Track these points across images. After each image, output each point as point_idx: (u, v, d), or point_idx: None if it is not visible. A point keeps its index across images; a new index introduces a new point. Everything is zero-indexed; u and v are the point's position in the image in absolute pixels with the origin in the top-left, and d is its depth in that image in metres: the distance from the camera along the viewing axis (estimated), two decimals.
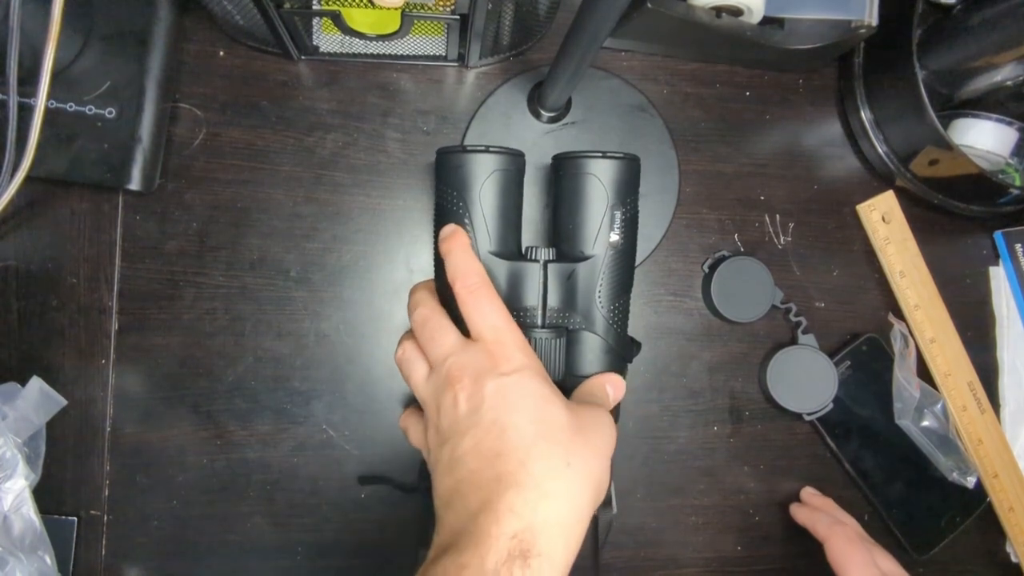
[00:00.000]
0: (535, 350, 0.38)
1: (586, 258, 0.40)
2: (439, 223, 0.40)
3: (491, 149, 0.39)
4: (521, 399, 0.33)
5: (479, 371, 0.34)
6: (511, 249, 0.41)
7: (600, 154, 0.40)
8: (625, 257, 0.41)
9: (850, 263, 0.52)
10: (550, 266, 0.40)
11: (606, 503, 0.46)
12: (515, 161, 0.40)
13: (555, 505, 0.31)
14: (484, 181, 0.39)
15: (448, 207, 0.39)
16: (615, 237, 0.40)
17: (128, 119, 0.42)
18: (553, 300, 0.40)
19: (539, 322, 0.39)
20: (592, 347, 0.40)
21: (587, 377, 0.40)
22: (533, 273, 0.39)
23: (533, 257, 0.40)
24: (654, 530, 0.49)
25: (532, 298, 0.39)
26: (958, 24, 0.48)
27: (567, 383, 0.40)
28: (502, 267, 0.39)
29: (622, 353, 0.41)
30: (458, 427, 0.34)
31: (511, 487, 0.31)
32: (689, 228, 0.51)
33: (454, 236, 0.38)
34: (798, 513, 0.50)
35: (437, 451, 0.35)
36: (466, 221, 0.39)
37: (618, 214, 0.40)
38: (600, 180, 0.40)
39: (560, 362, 0.39)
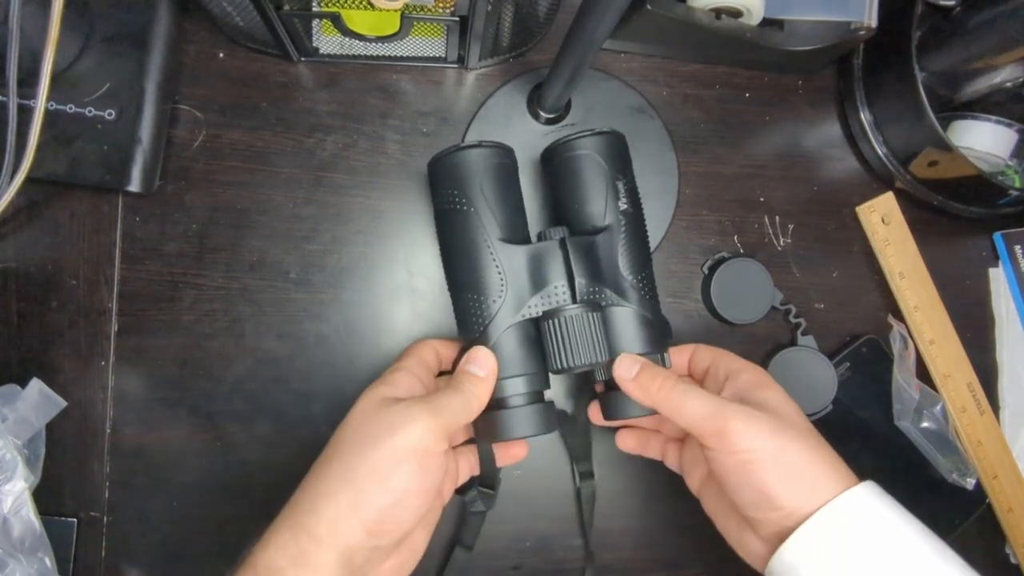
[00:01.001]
0: (572, 330, 0.36)
1: (601, 229, 0.39)
2: (445, 225, 0.40)
3: (484, 144, 0.39)
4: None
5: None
6: (521, 235, 0.40)
7: (589, 131, 0.40)
8: (638, 226, 0.40)
9: (850, 264, 0.52)
10: (568, 241, 0.38)
11: (587, 475, 0.46)
12: (508, 154, 0.40)
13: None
14: (483, 173, 0.39)
15: (451, 207, 0.39)
16: (624, 206, 0.40)
17: (128, 121, 0.42)
18: (580, 276, 0.38)
19: (570, 299, 0.38)
20: (629, 322, 0.38)
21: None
22: (553, 251, 0.38)
23: (549, 237, 0.39)
24: (654, 530, 0.49)
25: (558, 275, 0.38)
26: (957, 26, 0.48)
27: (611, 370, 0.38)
28: (520, 252, 0.38)
29: (660, 326, 0.40)
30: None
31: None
32: (689, 230, 0.51)
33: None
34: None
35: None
36: (473, 213, 0.38)
37: (620, 185, 0.40)
38: (596, 154, 0.40)
39: (602, 339, 0.37)
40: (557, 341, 0.37)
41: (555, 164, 0.42)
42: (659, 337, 0.39)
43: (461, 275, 0.39)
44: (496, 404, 0.37)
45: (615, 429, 0.45)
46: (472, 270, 0.38)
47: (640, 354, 0.38)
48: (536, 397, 0.38)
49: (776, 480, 0.33)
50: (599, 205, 0.40)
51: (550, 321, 0.37)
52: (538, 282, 0.38)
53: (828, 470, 0.34)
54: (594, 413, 0.44)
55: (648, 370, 0.37)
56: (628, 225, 0.40)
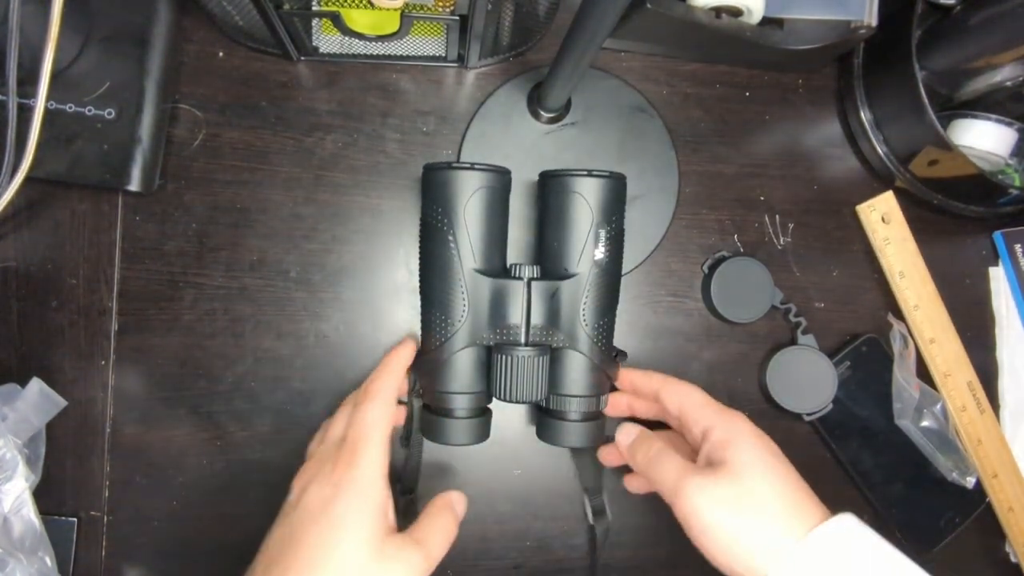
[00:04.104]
0: (517, 369, 0.39)
1: (570, 276, 0.40)
2: (424, 238, 0.41)
3: (476, 167, 0.39)
4: (331, 514, 0.34)
5: (317, 471, 0.36)
6: (495, 266, 0.41)
7: (585, 172, 0.40)
8: (610, 275, 0.41)
9: (850, 263, 0.52)
10: (534, 284, 0.40)
11: (600, 513, 0.46)
12: (501, 179, 0.41)
13: None
14: (469, 198, 0.39)
15: (433, 223, 0.40)
16: (600, 255, 0.40)
17: (128, 120, 0.42)
18: (537, 318, 0.40)
19: (522, 340, 0.40)
20: (576, 366, 0.41)
21: (571, 397, 0.41)
22: (517, 291, 0.40)
23: (517, 275, 0.40)
24: (654, 530, 0.49)
25: (516, 316, 0.40)
26: (958, 24, 0.48)
27: (551, 404, 0.41)
28: (485, 284, 0.40)
29: (607, 371, 0.42)
30: (282, 514, 0.37)
31: None
32: (689, 229, 0.51)
33: (402, 348, 0.42)
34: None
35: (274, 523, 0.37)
36: (450, 238, 0.39)
37: (603, 232, 0.40)
38: (585, 199, 0.40)
39: (543, 381, 0.40)
40: (503, 375, 0.39)
41: (547, 192, 0.42)
42: (601, 381, 0.42)
43: (430, 291, 0.41)
44: (443, 412, 0.41)
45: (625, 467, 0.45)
46: (440, 290, 0.40)
47: (578, 396, 0.41)
48: (478, 412, 0.41)
49: (729, 548, 0.35)
50: (576, 250, 0.40)
51: (500, 355, 0.39)
52: (498, 317, 0.40)
53: (787, 528, 0.35)
54: (605, 455, 0.45)
55: (641, 441, 0.42)
56: (599, 276, 0.40)
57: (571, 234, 0.40)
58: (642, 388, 0.43)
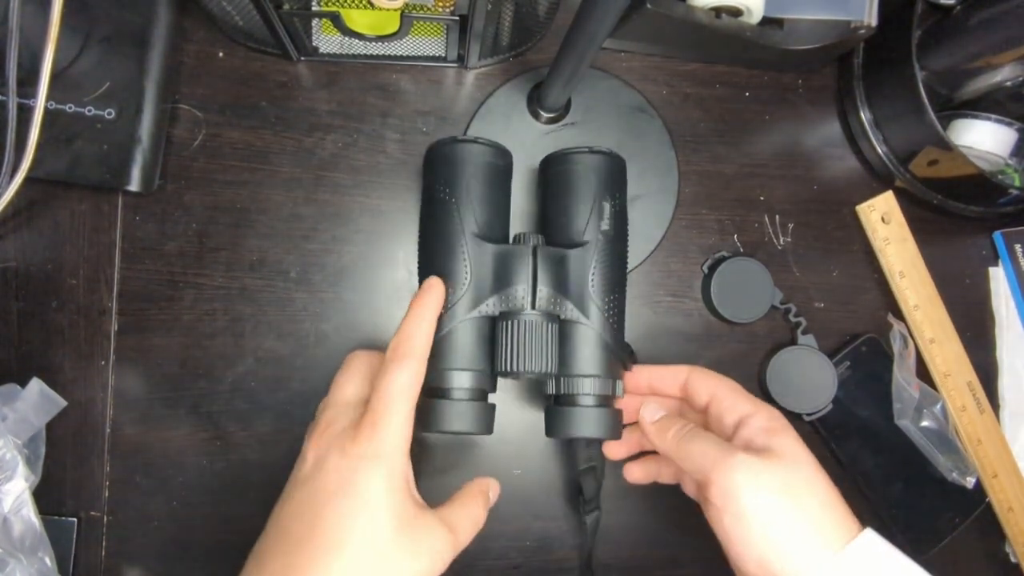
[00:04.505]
0: (524, 334, 0.36)
1: (578, 244, 0.39)
2: (426, 213, 0.40)
3: (480, 140, 0.39)
4: (353, 490, 0.31)
5: (335, 438, 0.33)
6: (498, 236, 0.40)
7: (587, 149, 0.40)
8: (617, 249, 0.40)
9: (850, 263, 0.52)
10: (540, 250, 0.38)
11: (593, 506, 0.46)
12: (504, 156, 0.40)
13: None
14: (473, 169, 0.39)
15: (435, 195, 0.39)
16: (606, 226, 0.39)
17: (127, 120, 0.42)
18: (544, 285, 0.38)
19: (530, 305, 0.37)
20: (587, 342, 0.38)
21: (583, 377, 0.38)
22: (523, 256, 0.38)
23: (523, 242, 0.38)
24: (654, 530, 0.49)
25: (521, 280, 0.37)
26: (958, 24, 0.48)
27: (562, 387, 0.38)
28: (489, 250, 0.38)
29: (618, 353, 0.39)
30: (295, 482, 0.34)
31: None
32: (689, 229, 0.51)
33: (427, 291, 0.36)
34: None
35: (284, 491, 0.34)
36: (452, 203, 0.38)
37: (607, 205, 0.40)
38: (588, 171, 0.40)
39: (552, 351, 0.37)
40: (509, 343, 0.36)
41: (549, 174, 0.42)
42: (614, 363, 0.38)
43: (430, 261, 0.38)
44: (438, 394, 0.37)
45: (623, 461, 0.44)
46: (441, 258, 0.38)
47: (592, 376, 0.38)
48: (479, 395, 0.37)
49: (764, 539, 0.32)
50: (581, 220, 0.39)
51: (505, 322, 0.37)
52: (502, 282, 0.37)
53: (828, 537, 0.32)
54: (609, 448, 0.43)
55: (672, 418, 0.38)
56: (606, 247, 0.39)
57: (576, 204, 0.39)
58: (665, 378, 0.40)
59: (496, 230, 0.40)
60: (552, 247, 0.39)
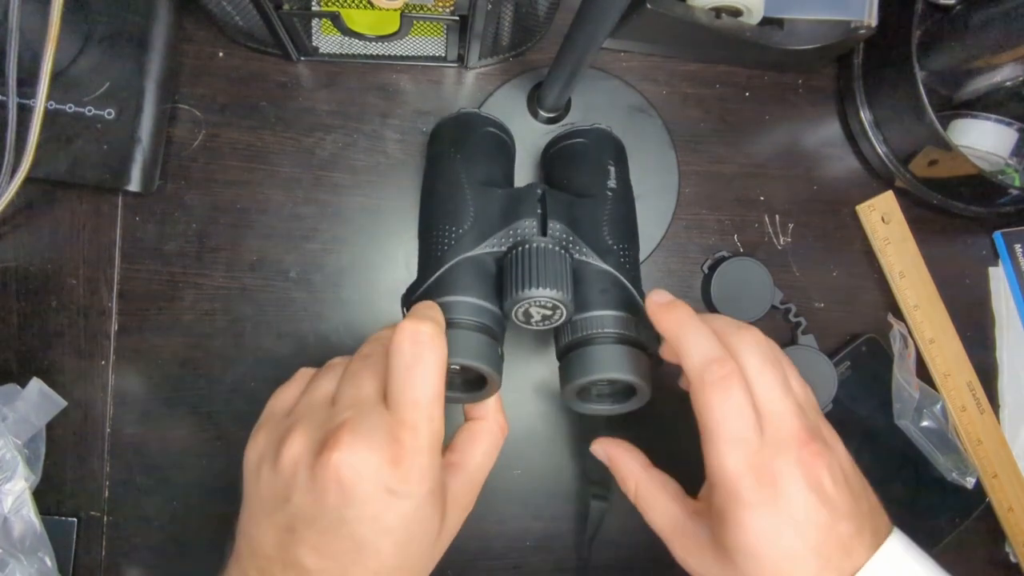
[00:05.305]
0: (536, 257, 0.32)
1: (588, 196, 0.38)
2: (428, 176, 0.40)
3: (484, 113, 0.40)
4: (397, 533, 0.27)
5: (368, 460, 0.26)
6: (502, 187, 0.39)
7: (587, 125, 0.42)
8: (627, 206, 0.39)
9: (850, 263, 0.52)
10: (549, 193, 0.36)
11: (601, 496, 0.45)
12: (507, 133, 0.41)
13: None
14: (478, 136, 0.39)
15: (439, 156, 0.39)
16: (613, 184, 0.39)
17: (127, 120, 0.42)
18: (556, 220, 0.34)
19: (539, 234, 0.34)
20: (605, 279, 0.34)
21: (602, 314, 0.32)
22: (531, 195, 0.35)
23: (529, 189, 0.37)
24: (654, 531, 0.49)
25: (530, 214, 0.34)
26: (958, 24, 0.48)
27: (577, 330, 0.33)
28: (494, 193, 0.36)
29: (639, 307, 0.34)
30: (304, 506, 0.27)
31: None
32: (688, 229, 0.51)
33: (421, 311, 0.31)
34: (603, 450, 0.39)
35: (261, 513, 0.29)
36: (458, 158, 0.38)
37: (612, 168, 0.40)
38: (591, 141, 0.41)
39: (567, 279, 0.32)
40: (519, 270, 0.32)
41: (551, 154, 0.42)
42: (636, 307, 0.34)
43: (432, 211, 0.36)
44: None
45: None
46: (444, 203, 0.36)
47: (611, 313, 0.33)
48: (483, 329, 0.32)
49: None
50: (587, 178, 0.39)
51: (515, 251, 0.33)
52: (509, 219, 0.34)
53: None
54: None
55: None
56: (615, 201, 0.38)
57: (582, 168, 0.40)
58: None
59: (499, 183, 0.39)
60: (562, 193, 0.37)
